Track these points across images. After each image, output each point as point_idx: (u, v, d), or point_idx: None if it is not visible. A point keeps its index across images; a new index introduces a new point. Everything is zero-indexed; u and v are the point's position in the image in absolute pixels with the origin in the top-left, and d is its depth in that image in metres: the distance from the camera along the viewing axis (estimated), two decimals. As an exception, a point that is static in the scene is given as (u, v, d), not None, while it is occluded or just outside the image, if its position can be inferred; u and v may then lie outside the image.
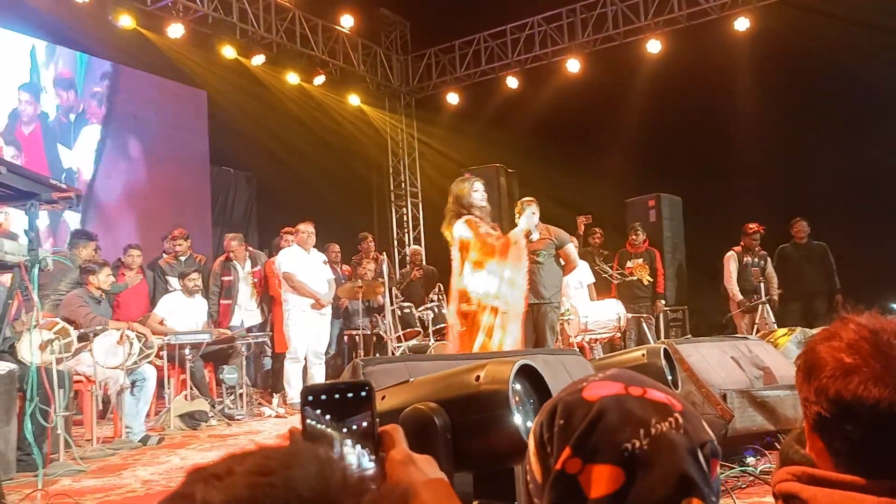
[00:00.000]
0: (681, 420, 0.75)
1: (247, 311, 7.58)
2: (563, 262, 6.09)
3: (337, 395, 0.81)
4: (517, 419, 1.38)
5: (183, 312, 6.77)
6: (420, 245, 11.60)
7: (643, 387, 0.79)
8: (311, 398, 0.80)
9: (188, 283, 6.85)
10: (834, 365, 0.92)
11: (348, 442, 0.79)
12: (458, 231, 4.85)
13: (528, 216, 5.52)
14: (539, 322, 5.93)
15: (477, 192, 5.01)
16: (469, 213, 4.93)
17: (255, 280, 7.71)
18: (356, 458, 0.79)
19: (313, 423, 0.78)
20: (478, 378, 1.46)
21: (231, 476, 0.47)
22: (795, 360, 1.03)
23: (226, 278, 7.60)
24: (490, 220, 5.10)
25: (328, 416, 0.79)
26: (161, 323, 6.60)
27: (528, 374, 1.50)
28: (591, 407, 0.76)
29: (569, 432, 0.76)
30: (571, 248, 6.16)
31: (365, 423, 0.80)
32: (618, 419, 0.74)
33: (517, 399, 1.44)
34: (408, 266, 10.37)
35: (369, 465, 0.79)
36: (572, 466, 0.74)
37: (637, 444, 0.72)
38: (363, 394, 0.81)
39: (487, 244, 4.82)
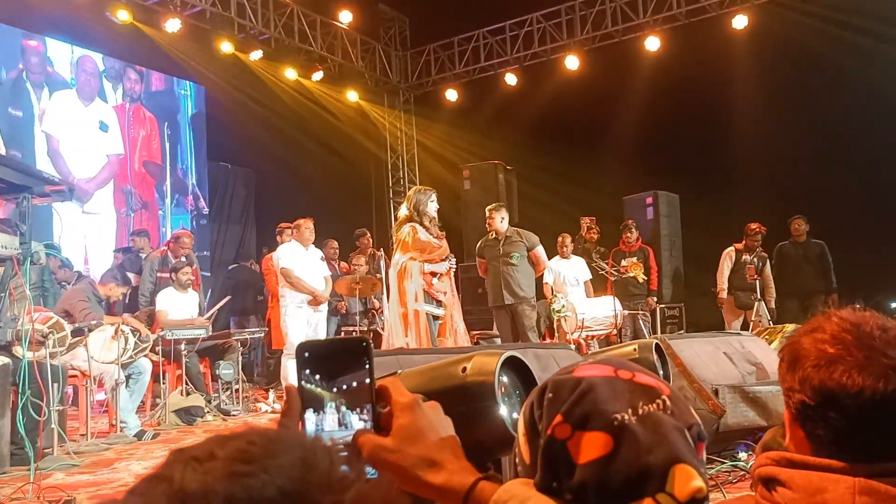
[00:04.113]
0: (668, 402, 0.77)
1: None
2: (534, 264, 6.54)
3: (333, 352, 0.79)
4: (503, 410, 1.38)
5: (178, 307, 6.78)
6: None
7: (632, 371, 0.80)
8: (307, 354, 0.78)
9: (181, 278, 6.85)
10: (818, 355, 0.94)
11: (342, 402, 0.77)
12: (402, 234, 5.39)
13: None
14: (517, 321, 6.27)
15: (433, 202, 5.49)
16: (420, 220, 5.36)
17: (192, 278, 7.71)
18: (349, 419, 0.77)
19: (308, 382, 0.76)
20: (464, 370, 1.46)
21: (212, 460, 0.46)
22: (779, 352, 1.05)
23: (162, 275, 7.53)
24: (437, 230, 5.54)
25: (324, 374, 0.77)
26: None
27: (515, 366, 1.50)
28: (580, 381, 0.78)
29: (558, 403, 0.77)
30: (541, 250, 6.58)
31: (362, 381, 0.78)
32: (608, 392, 0.76)
33: (503, 390, 1.44)
34: None
35: (363, 425, 0.77)
36: (562, 432, 0.75)
37: (626, 416, 0.74)
38: (361, 350, 0.79)
39: (424, 248, 5.32)
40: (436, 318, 5.33)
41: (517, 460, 0.86)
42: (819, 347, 0.95)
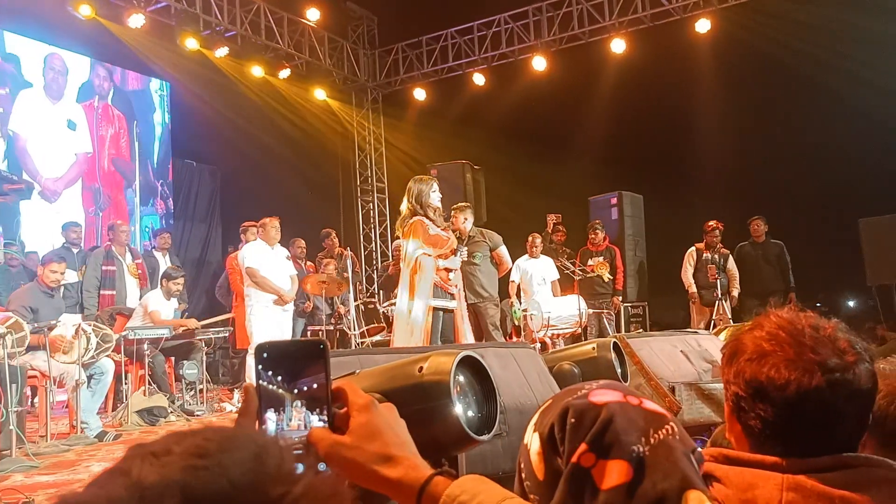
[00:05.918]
0: (675, 428, 0.82)
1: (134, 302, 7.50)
2: (497, 263, 6.53)
3: (291, 353, 0.81)
4: (458, 409, 1.41)
5: (165, 312, 6.82)
6: (387, 240, 11.61)
7: (637, 397, 0.86)
8: (265, 355, 0.79)
9: (171, 287, 6.86)
10: (753, 349, 1.01)
11: (300, 402, 0.79)
12: (408, 228, 5.07)
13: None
14: (481, 320, 6.32)
15: (435, 192, 5.18)
16: (424, 213, 5.10)
17: (140, 272, 7.70)
18: (307, 419, 0.79)
19: (266, 382, 0.78)
20: (421, 369, 1.49)
21: (168, 455, 0.48)
22: (722, 348, 1.10)
23: (107, 268, 7.51)
24: (443, 220, 5.27)
25: (282, 374, 0.79)
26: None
27: (471, 366, 1.53)
28: (600, 409, 0.82)
29: (582, 431, 0.82)
30: (504, 250, 6.58)
31: (320, 382, 0.79)
32: (626, 422, 0.81)
33: (458, 389, 1.47)
34: (390, 259, 10.39)
35: (320, 425, 0.79)
36: (587, 461, 0.80)
37: (641, 448, 0.80)
38: (318, 352, 0.80)
39: (436, 242, 5.05)
40: (448, 311, 5.14)
41: (524, 475, 0.89)
42: (756, 343, 1.00)
